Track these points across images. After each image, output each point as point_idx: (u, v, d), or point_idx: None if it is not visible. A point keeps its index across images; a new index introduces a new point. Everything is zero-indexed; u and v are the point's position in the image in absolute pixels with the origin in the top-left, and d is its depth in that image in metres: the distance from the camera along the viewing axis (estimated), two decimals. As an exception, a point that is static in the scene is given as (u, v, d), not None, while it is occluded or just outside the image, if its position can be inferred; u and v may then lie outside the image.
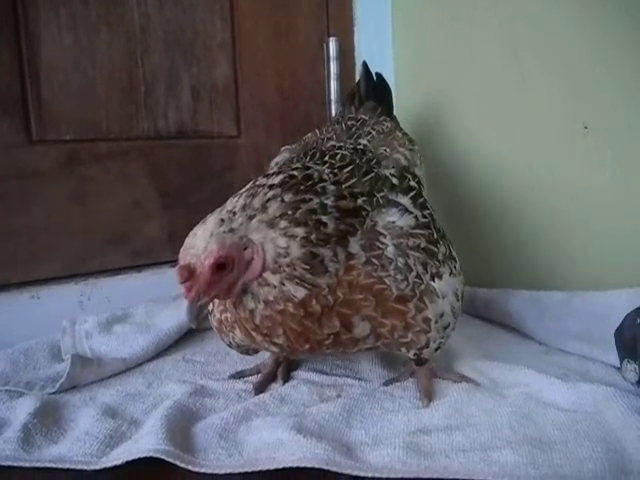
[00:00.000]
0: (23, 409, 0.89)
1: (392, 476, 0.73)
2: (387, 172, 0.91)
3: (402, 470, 0.73)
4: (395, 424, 0.84)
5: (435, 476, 0.72)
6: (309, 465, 0.74)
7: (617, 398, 0.84)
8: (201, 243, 0.75)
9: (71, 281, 1.26)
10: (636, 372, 0.91)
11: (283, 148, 1.12)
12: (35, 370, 1.05)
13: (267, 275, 0.78)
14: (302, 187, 0.82)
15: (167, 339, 1.17)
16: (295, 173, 0.84)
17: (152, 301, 1.27)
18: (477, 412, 0.86)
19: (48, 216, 1.24)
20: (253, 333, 0.82)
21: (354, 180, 0.86)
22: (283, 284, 0.77)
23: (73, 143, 1.26)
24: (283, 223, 0.78)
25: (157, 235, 1.37)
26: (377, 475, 0.73)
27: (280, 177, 0.83)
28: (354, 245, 0.80)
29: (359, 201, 0.84)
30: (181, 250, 0.77)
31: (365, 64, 1.37)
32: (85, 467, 0.77)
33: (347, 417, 0.86)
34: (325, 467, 0.74)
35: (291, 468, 0.74)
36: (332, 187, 0.83)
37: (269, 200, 0.79)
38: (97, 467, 0.76)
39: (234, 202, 0.80)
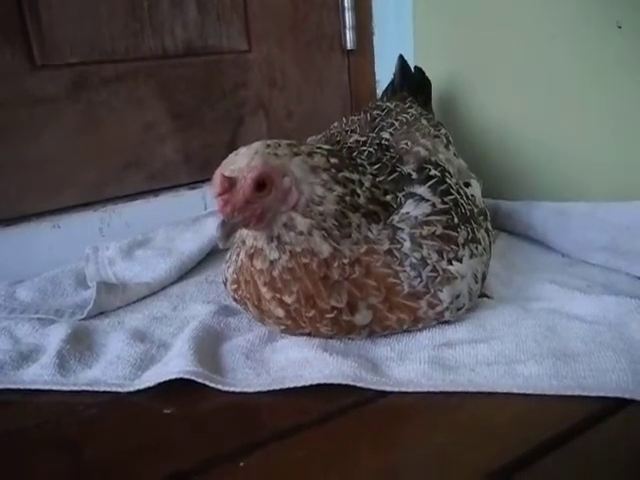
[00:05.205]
0: (56, 336, 0.91)
1: (418, 390, 0.74)
2: (408, 169, 0.91)
3: (427, 384, 0.75)
4: (419, 340, 0.85)
5: (460, 389, 0.74)
6: (336, 382, 0.75)
7: (641, 309, 0.84)
8: (244, 160, 0.75)
9: (90, 208, 1.25)
10: (661, 283, 0.90)
11: (309, 139, 1.10)
12: (63, 297, 1.07)
13: (296, 217, 0.77)
14: (347, 160, 0.85)
15: (189, 262, 1.17)
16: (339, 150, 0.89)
17: (171, 224, 1.26)
18: (501, 326, 0.86)
19: (60, 143, 1.21)
20: (263, 289, 0.81)
21: (382, 177, 0.87)
22: (311, 234, 0.77)
23: (79, 66, 1.21)
24: (325, 175, 0.79)
25: (172, 157, 1.35)
26: (403, 389, 0.75)
27: (327, 146, 0.85)
28: (374, 231, 0.81)
29: (387, 197, 0.85)
30: (220, 166, 0.76)
31: (401, 57, 1.35)
32: (120, 389, 0.79)
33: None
34: (352, 383, 0.75)
35: (318, 385, 0.76)
36: (370, 175, 0.86)
37: (316, 153, 0.80)
38: (131, 389, 0.79)
39: (279, 140, 0.80)
